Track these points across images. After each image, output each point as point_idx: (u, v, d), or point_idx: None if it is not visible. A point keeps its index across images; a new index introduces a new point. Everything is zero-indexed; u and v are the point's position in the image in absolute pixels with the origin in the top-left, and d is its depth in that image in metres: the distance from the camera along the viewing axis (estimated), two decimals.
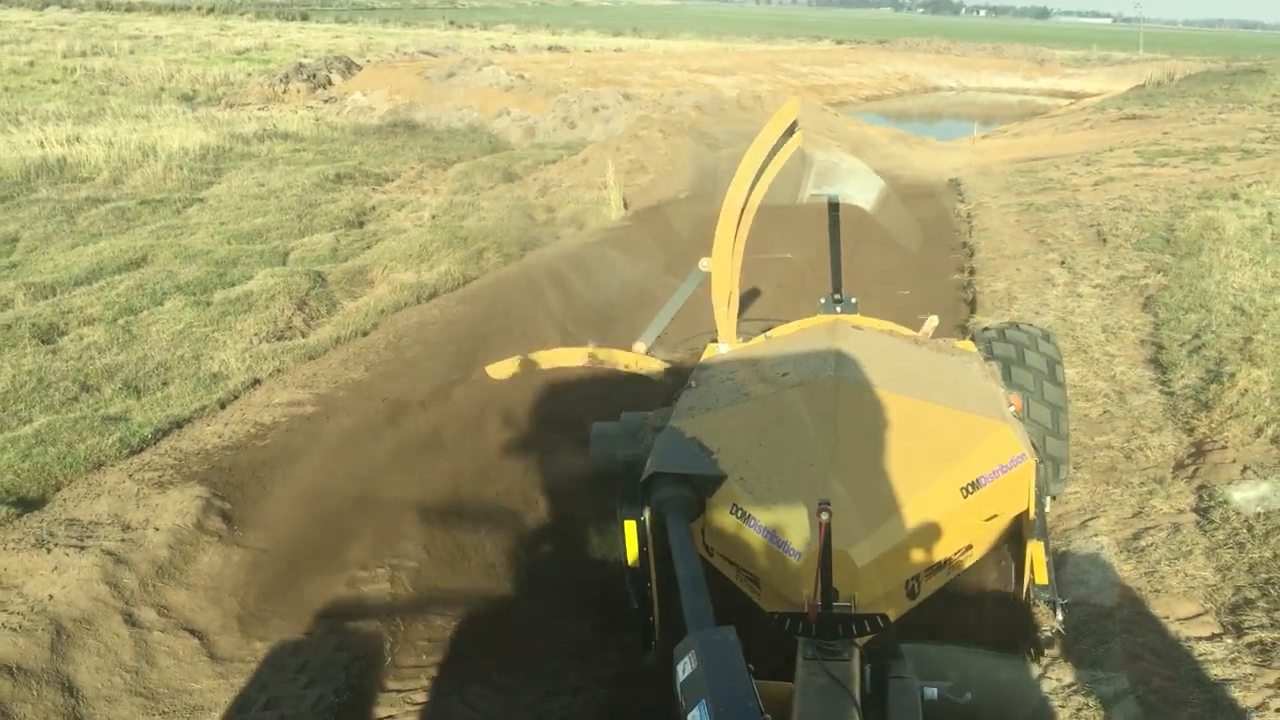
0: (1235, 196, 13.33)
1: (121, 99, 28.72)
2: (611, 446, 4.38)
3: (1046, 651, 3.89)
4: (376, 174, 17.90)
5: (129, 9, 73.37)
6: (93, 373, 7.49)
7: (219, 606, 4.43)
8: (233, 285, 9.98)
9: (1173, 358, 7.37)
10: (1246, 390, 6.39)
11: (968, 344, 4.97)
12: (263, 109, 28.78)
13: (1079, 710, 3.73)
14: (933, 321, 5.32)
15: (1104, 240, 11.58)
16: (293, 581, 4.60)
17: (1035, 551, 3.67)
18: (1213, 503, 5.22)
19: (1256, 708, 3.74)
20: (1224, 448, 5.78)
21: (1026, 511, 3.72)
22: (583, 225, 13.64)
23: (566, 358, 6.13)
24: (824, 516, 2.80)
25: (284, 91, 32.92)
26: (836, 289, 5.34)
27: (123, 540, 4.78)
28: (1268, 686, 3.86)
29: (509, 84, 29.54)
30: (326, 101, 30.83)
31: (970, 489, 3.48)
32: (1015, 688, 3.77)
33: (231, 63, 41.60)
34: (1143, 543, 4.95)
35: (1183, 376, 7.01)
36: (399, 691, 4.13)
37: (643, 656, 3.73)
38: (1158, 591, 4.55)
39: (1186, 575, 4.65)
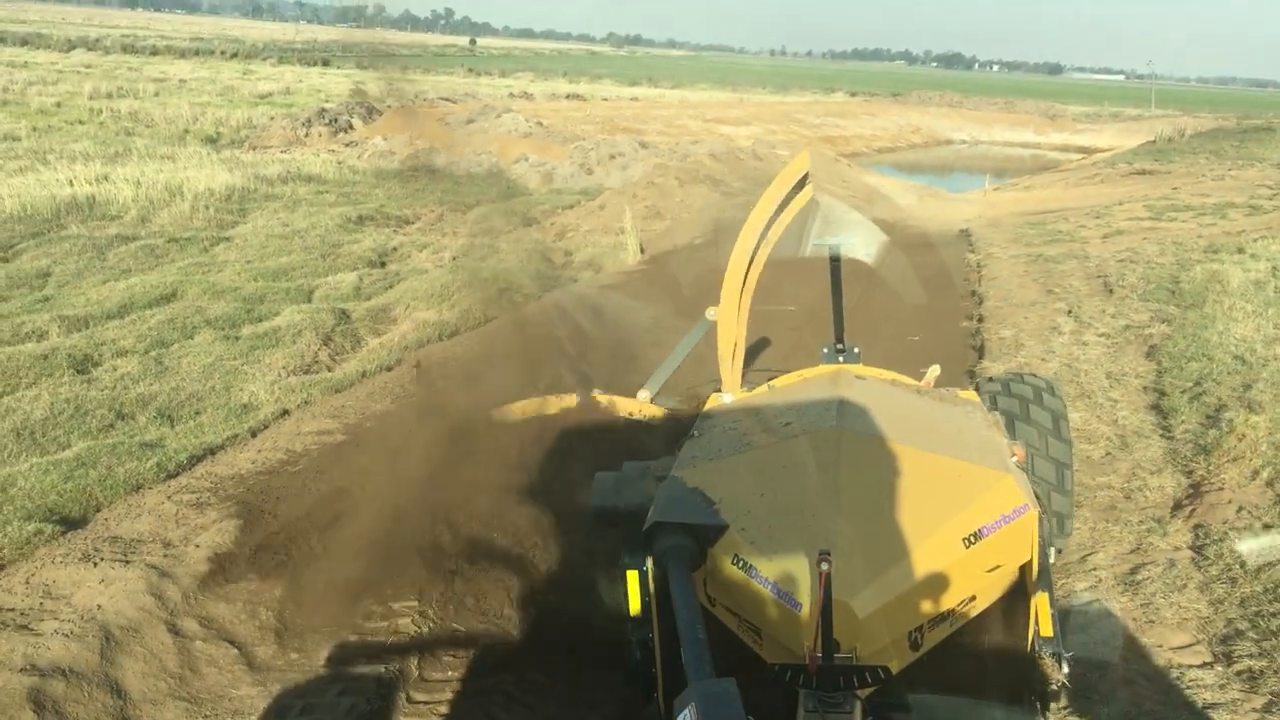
0: (1241, 251, 13.59)
1: (147, 140, 29.23)
2: (613, 495, 4.32)
3: (1052, 705, 3.85)
4: (397, 216, 18.26)
5: (154, 52, 74.61)
6: (127, 402, 7.76)
7: (256, 619, 4.66)
8: (260, 321, 10.28)
9: (1174, 404, 7.59)
10: (1244, 435, 6.60)
11: (971, 393, 4.97)
12: (285, 151, 29.30)
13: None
14: (935, 371, 5.35)
15: (1110, 291, 11.83)
16: (327, 597, 4.81)
17: (1040, 603, 3.62)
18: (1208, 540, 5.43)
19: None
20: (1220, 489, 5.99)
21: (1030, 562, 3.68)
22: (600, 269, 13.96)
23: (572, 403, 6.02)
24: (825, 567, 2.80)
25: (306, 135, 33.48)
26: (839, 338, 5.36)
27: (165, 556, 5.03)
28: (1254, 710, 4.05)
29: (527, 130, 30.07)
30: (348, 145, 31.37)
31: (973, 539, 3.45)
32: None
33: (255, 106, 42.30)
34: (1139, 577, 5.16)
35: (1183, 422, 7.22)
36: (425, 703, 4.33)
37: (644, 707, 3.69)
38: (1152, 622, 4.76)
39: (1180, 607, 4.85)
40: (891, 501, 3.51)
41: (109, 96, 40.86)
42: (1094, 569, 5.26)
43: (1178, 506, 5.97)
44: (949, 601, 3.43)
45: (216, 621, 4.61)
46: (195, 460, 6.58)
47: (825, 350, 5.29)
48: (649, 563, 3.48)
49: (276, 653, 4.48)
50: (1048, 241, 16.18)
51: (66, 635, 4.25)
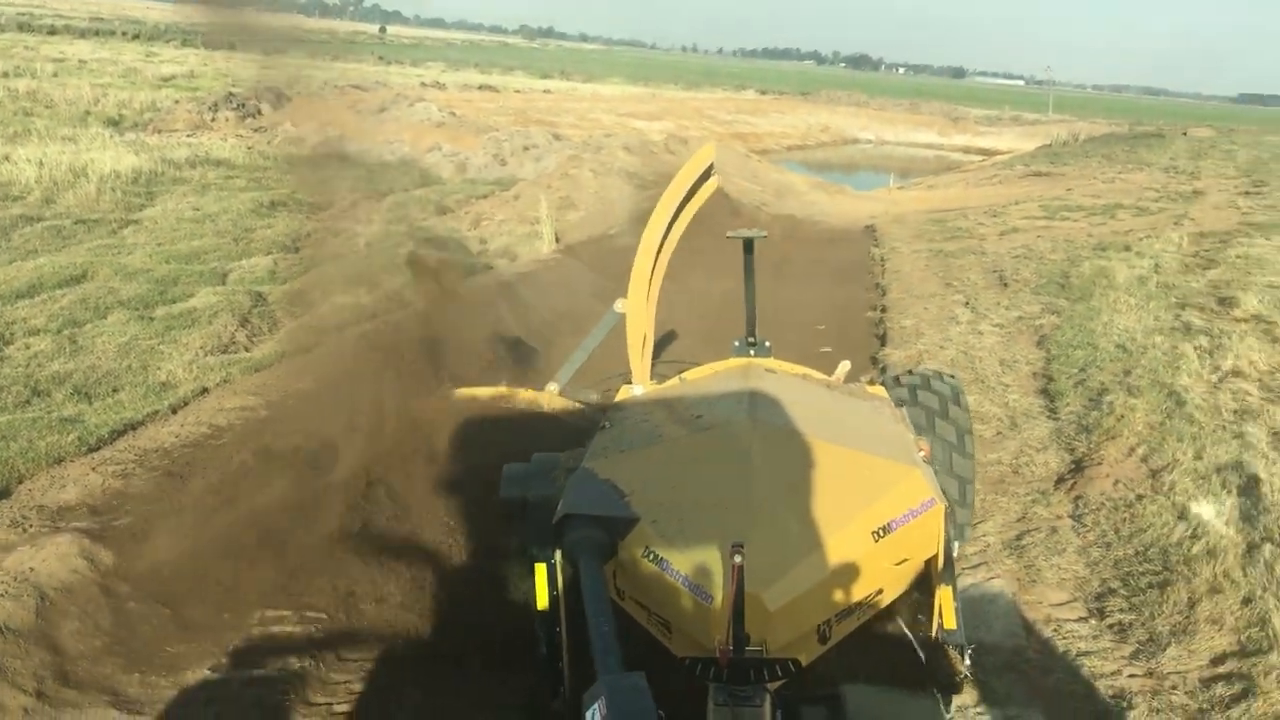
0: (1127, 249, 14.31)
1: (47, 121, 28.40)
2: (522, 487, 4.22)
3: (955, 697, 3.97)
4: (310, 203, 18.14)
5: (51, 31, 72.10)
6: (43, 379, 7.73)
7: (187, 582, 4.77)
8: (174, 302, 10.25)
9: (1060, 388, 8.08)
10: (1122, 416, 7.10)
11: (878, 389, 4.99)
12: (191, 136, 28.76)
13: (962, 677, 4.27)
14: (845, 366, 5.33)
15: (1005, 284, 12.40)
16: (261, 555, 4.91)
17: (944, 595, 3.64)
18: (1087, 510, 5.87)
19: (1110, 674, 4.33)
20: (1099, 465, 6.45)
21: (936, 555, 3.69)
22: (515, 257, 14.11)
23: (479, 395, 5.89)
24: (737, 560, 2.78)
25: (213, 120, 32.88)
26: (751, 332, 5.35)
27: (93, 522, 5.12)
28: (1122, 658, 4.47)
29: (440, 120, 30.01)
30: (256, 131, 30.91)
31: (882, 533, 3.45)
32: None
33: (158, 89, 41.28)
34: (1024, 542, 5.57)
35: (1068, 404, 7.71)
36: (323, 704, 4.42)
37: (551, 702, 3.67)
38: (1034, 582, 5.16)
39: (1060, 569, 5.27)
40: (802, 495, 3.51)
41: (4, 75, 39.46)
42: (983, 535, 5.65)
43: (1060, 480, 6.42)
44: (858, 594, 3.43)
45: (148, 583, 4.71)
46: (116, 435, 6.63)
47: (736, 343, 5.29)
48: (558, 555, 3.44)
49: (210, 613, 4.61)
50: (948, 238, 16.80)
51: (2, 595, 4.34)
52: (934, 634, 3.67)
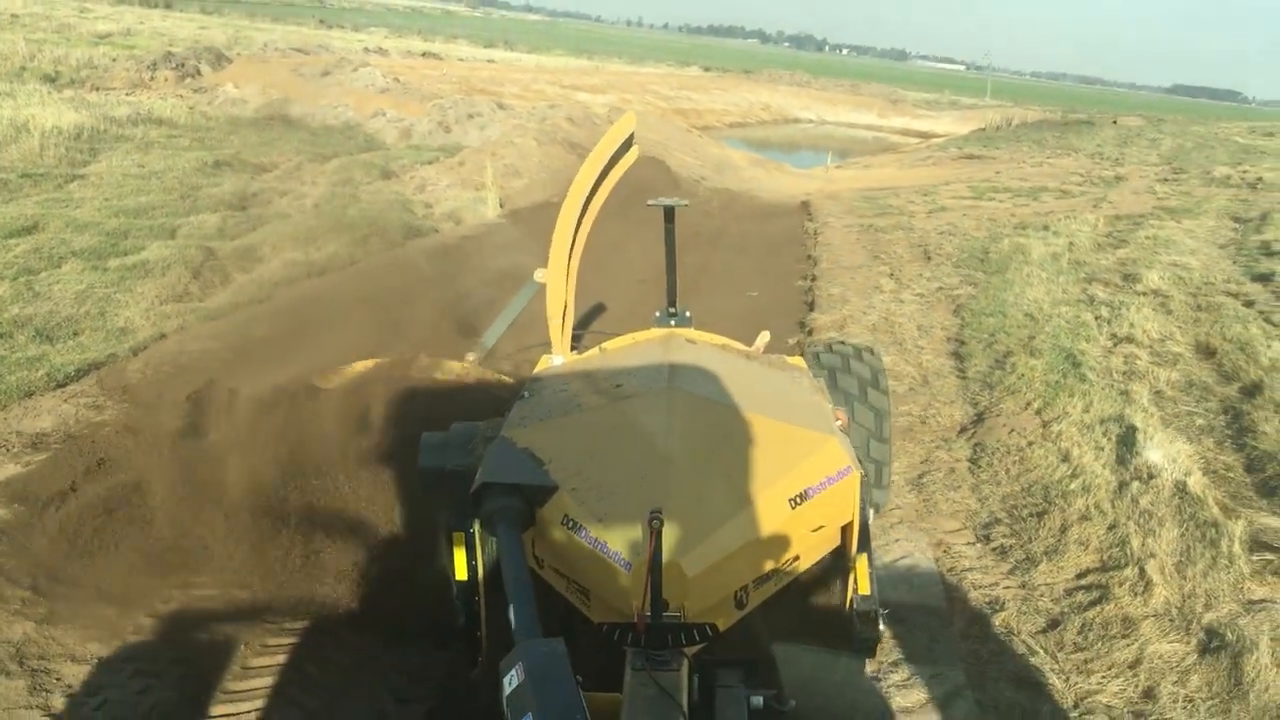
0: (1046, 228, 15.07)
1: None
2: (440, 457, 4.18)
3: (867, 659, 4.04)
4: (255, 163, 18.29)
5: None
6: (3, 322, 8.01)
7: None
8: (126, 255, 10.50)
9: (970, 351, 8.72)
10: (1023, 375, 7.74)
11: (798, 359, 5.03)
12: (130, 94, 28.50)
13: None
14: (764, 337, 5.35)
15: (929, 258, 13.06)
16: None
17: (859, 562, 3.68)
18: (983, 454, 6.49)
19: (988, 585, 4.94)
20: (998, 416, 7.08)
21: (851, 523, 3.73)
22: (460, 221, 14.49)
23: (397, 367, 5.81)
24: (655, 525, 2.82)
25: (151, 79, 32.53)
26: (671, 302, 5.35)
27: (69, 443, 5.51)
28: (1001, 573, 5.08)
29: (384, 86, 30.05)
30: (196, 91, 30.66)
31: (798, 500, 3.48)
32: (847, 686, 3.98)
33: (94, 46, 40.58)
34: (924, 480, 6.18)
35: (976, 365, 8.34)
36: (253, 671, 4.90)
37: (469, 672, 3.72)
38: (931, 513, 5.76)
39: (954, 502, 5.88)
40: (721, 463, 3.54)
41: None
42: (891, 475, 6.24)
43: (962, 430, 7.04)
44: (774, 561, 3.48)
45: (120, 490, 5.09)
46: (82, 373, 6.98)
47: (658, 314, 5.30)
48: (476, 525, 3.46)
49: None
50: (878, 214, 17.46)
51: None
52: (849, 600, 3.71)
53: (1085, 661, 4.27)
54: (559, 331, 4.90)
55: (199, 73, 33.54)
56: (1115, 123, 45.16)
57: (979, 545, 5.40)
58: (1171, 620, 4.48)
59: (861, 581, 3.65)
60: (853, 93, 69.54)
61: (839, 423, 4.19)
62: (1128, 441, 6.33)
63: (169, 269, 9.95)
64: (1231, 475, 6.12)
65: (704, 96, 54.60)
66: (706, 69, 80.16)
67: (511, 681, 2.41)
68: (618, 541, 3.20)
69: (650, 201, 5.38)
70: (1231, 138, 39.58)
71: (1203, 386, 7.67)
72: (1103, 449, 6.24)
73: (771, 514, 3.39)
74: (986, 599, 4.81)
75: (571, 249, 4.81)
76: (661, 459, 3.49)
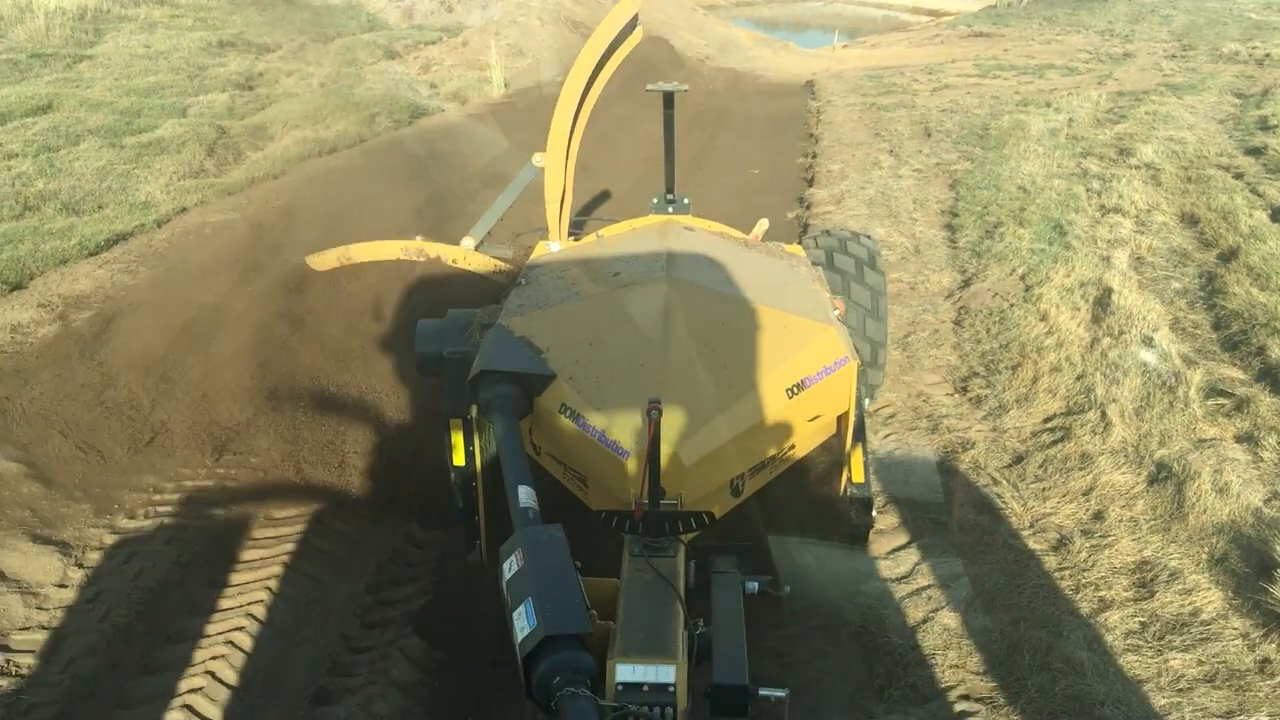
0: (1048, 105, 15.13)
1: None
2: (437, 344, 4.12)
3: (861, 545, 4.10)
4: (259, 44, 18.33)
5: None
6: (30, 196, 8.35)
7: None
8: (141, 133, 10.76)
9: (962, 222, 9.01)
10: (1010, 244, 8.05)
11: (796, 248, 4.98)
12: None
13: None
14: (763, 225, 5.23)
15: (929, 135, 13.22)
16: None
17: (854, 451, 3.72)
18: (966, 316, 6.86)
19: (963, 429, 5.36)
20: (984, 281, 7.42)
21: (847, 413, 3.75)
22: (465, 101, 14.65)
23: (390, 250, 5.73)
24: (654, 415, 2.83)
25: None
26: (670, 189, 5.26)
27: (109, 302, 5.92)
28: (974, 419, 5.50)
29: None
30: None
31: (795, 390, 3.49)
32: (844, 574, 4.06)
33: None
34: (910, 339, 6.56)
35: (966, 235, 8.65)
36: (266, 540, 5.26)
37: (467, 554, 3.78)
38: (914, 368, 6.16)
39: (935, 358, 6.27)
40: (718, 351, 3.55)
41: None
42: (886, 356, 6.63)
43: (949, 294, 7.39)
44: (771, 450, 3.53)
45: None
46: (112, 242, 7.35)
47: (655, 200, 5.23)
48: (473, 411, 3.49)
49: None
50: (882, 93, 17.50)
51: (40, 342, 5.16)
52: (843, 488, 3.76)
53: (1043, 490, 4.71)
54: (556, 217, 4.88)
55: None
56: None
57: (956, 396, 5.81)
58: (1126, 456, 4.90)
59: (856, 470, 3.69)
60: None
61: (837, 312, 4.19)
62: (1103, 303, 6.68)
63: (184, 146, 10.22)
64: (1199, 332, 6.48)
65: None
66: None
67: (511, 567, 2.46)
68: (615, 430, 3.25)
69: (649, 86, 5.26)
70: (1245, 13, 38.91)
71: (1182, 253, 7.97)
72: (1079, 309, 6.60)
73: (768, 403, 3.43)
74: (959, 440, 5.23)
75: (571, 133, 4.74)
76: (659, 348, 3.50)
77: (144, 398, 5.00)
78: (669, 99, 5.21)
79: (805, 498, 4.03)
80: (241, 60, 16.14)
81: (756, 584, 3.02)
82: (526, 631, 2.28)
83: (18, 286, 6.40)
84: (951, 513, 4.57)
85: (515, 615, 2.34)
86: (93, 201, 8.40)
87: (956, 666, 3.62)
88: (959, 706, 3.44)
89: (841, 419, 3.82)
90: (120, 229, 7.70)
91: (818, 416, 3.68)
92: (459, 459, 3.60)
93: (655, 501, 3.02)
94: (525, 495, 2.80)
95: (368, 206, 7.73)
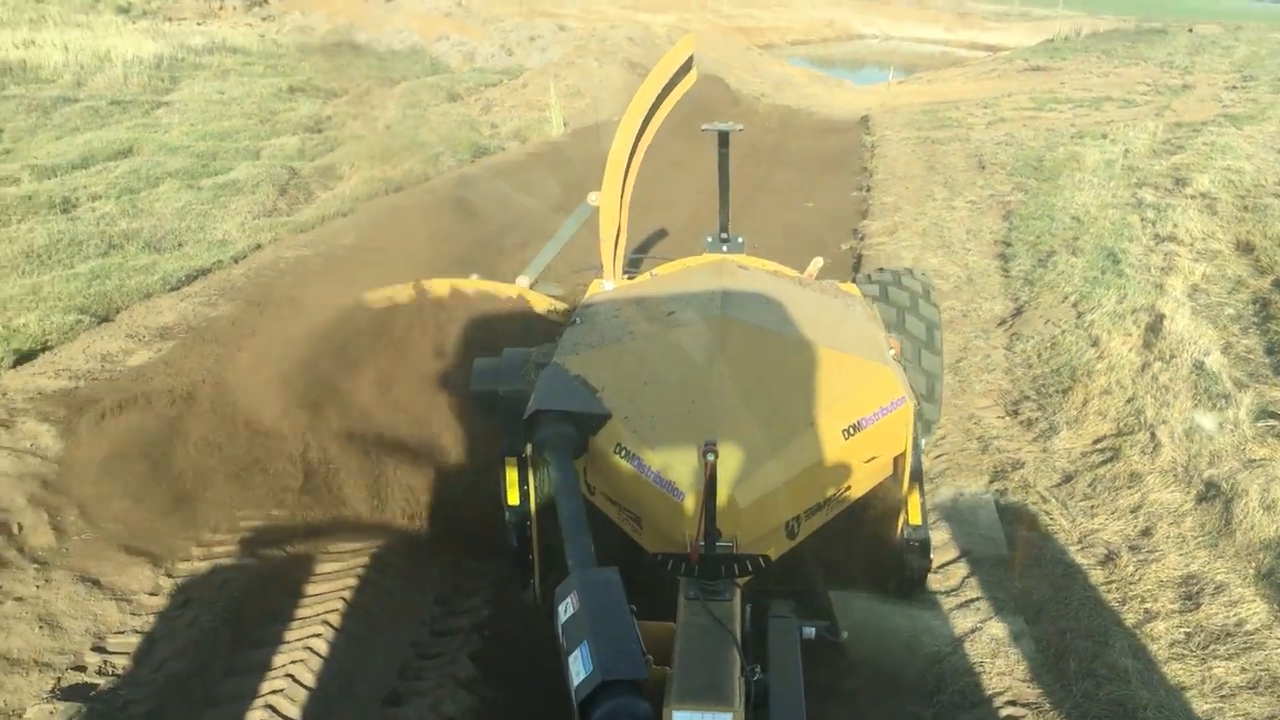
0: (1104, 136, 15.16)
1: (60, 7, 28.87)
2: (492, 382, 4.09)
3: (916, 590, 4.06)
4: (326, 89, 18.95)
5: None
6: (115, 235, 8.77)
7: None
8: (217, 174, 11.23)
9: (1015, 252, 9.11)
10: (1062, 271, 8.14)
11: (851, 286, 4.94)
12: (200, 23, 29.28)
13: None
14: (818, 263, 5.23)
15: (983, 167, 13.33)
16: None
17: (910, 492, 3.69)
18: (1018, 341, 6.96)
19: (1014, 450, 5.47)
20: (1036, 308, 7.52)
21: (904, 453, 3.72)
22: (526, 139, 15.02)
23: (448, 288, 5.69)
24: (710, 457, 2.79)
25: (220, 8, 33.34)
26: (724, 227, 5.23)
27: (192, 331, 6.25)
28: (1026, 441, 5.60)
29: (448, 10, 30.48)
30: (264, 20, 31.39)
31: (851, 430, 3.46)
32: (895, 629, 4.02)
33: None
34: (962, 364, 6.68)
35: (1019, 264, 8.75)
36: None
37: (520, 593, 3.77)
38: (965, 392, 6.27)
39: (987, 383, 6.38)
40: (775, 391, 3.53)
41: None
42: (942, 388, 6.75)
43: (1001, 321, 7.50)
44: (826, 491, 3.49)
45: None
46: (192, 277, 7.73)
47: (709, 239, 5.20)
48: (528, 450, 3.49)
49: None
50: (937, 127, 17.62)
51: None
52: (900, 530, 3.73)
53: (1092, 508, 4.81)
54: (611, 256, 4.88)
55: (266, 1, 34.20)
56: (1191, 30, 43.94)
57: (1007, 418, 5.91)
58: (1175, 475, 4.98)
59: (913, 512, 3.66)
60: (918, 6, 68.10)
61: (893, 351, 4.12)
62: (1155, 329, 6.75)
63: (258, 187, 10.65)
64: (1251, 356, 6.52)
65: (766, 14, 53.97)
66: None
67: (567, 609, 2.44)
68: (671, 470, 3.23)
69: (704, 127, 5.27)
70: None
71: (1236, 280, 8.00)
72: (1130, 334, 6.67)
73: (824, 444, 3.40)
74: (1009, 461, 5.34)
75: (626, 173, 4.74)
76: (714, 388, 3.48)
77: (229, 434, 5.19)
78: (724, 138, 5.21)
79: (861, 539, 3.96)
80: (310, 105, 16.71)
81: (814, 629, 3.01)
82: (582, 676, 2.28)
83: (105, 319, 6.76)
84: (1014, 567, 4.62)
85: (571, 659, 2.34)
86: (173, 240, 8.81)
87: (1004, 674, 3.74)
88: (1005, 712, 3.56)
89: (898, 460, 3.78)
90: (199, 265, 8.08)
91: (874, 457, 3.65)
92: (514, 498, 3.63)
93: (711, 544, 2.96)
94: (580, 536, 2.80)
95: (434, 240, 7.98)
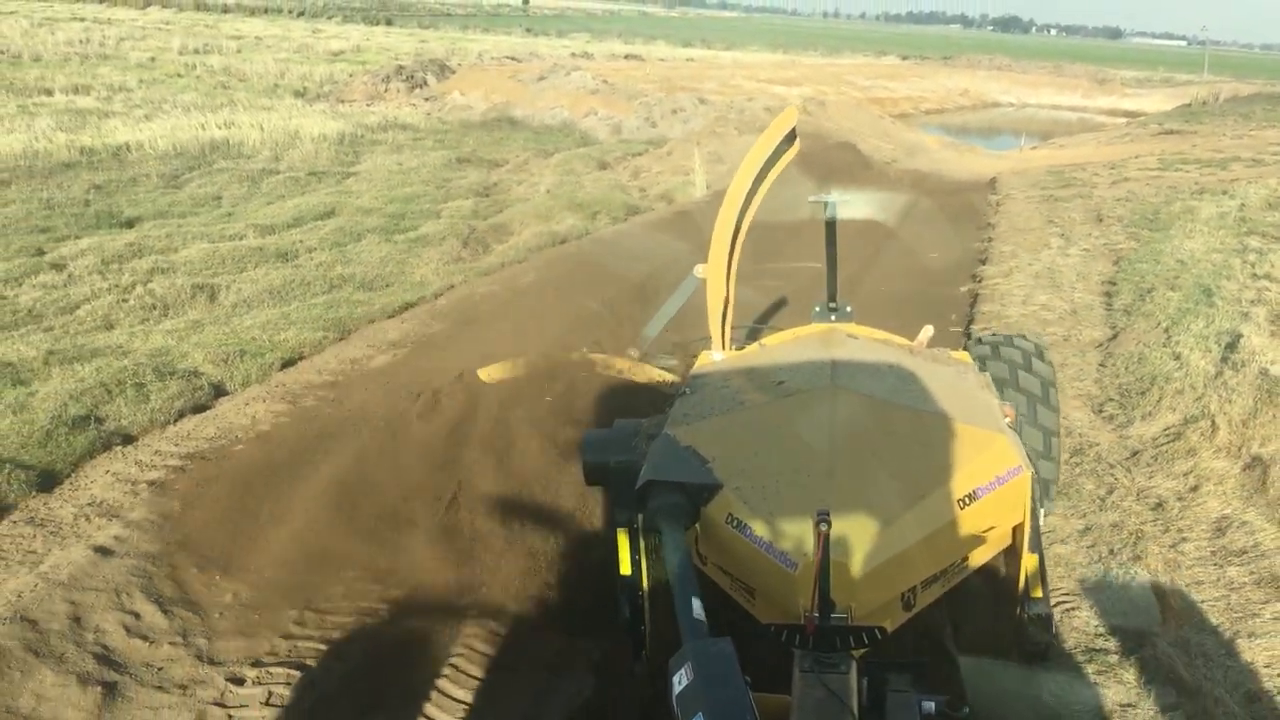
0: (1224, 193, 15.84)
1: (244, 93, 32.00)
2: (604, 453, 4.09)
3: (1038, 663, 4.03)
4: (489, 159, 20.91)
5: (225, 10, 77.91)
6: (333, 278, 10.49)
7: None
8: (407, 230, 13.00)
9: (1118, 290, 10.06)
10: (1159, 304, 9.08)
11: (962, 354, 4.90)
12: (369, 105, 32.01)
13: None
14: (928, 332, 5.20)
15: (1100, 220, 14.22)
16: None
17: (1029, 564, 3.65)
18: (1110, 359, 7.96)
19: (1094, 438, 6.51)
20: (1130, 333, 8.49)
21: (1022, 523, 3.68)
22: (672, 201, 16.55)
23: (562, 362, 5.86)
24: (823, 528, 2.79)
25: (385, 90, 36.17)
26: (832, 297, 5.27)
27: (420, 344, 7.82)
28: (1108, 431, 6.63)
29: (594, 88, 32.61)
30: (426, 100, 34.05)
31: (968, 500, 3.42)
32: (1018, 697, 3.90)
33: (331, 63, 44.93)
34: (1058, 376, 7.70)
35: (1121, 300, 9.70)
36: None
37: (634, 664, 3.76)
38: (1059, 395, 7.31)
39: (1078, 389, 7.41)
40: (888, 461, 3.51)
41: (196, 52, 43.78)
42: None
43: (1098, 344, 8.49)
44: (943, 562, 3.45)
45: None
46: (403, 308, 9.33)
47: (818, 309, 5.23)
48: (640, 521, 3.49)
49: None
50: (1061, 186, 18.49)
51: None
52: (1019, 603, 3.69)
53: (1151, 473, 5.83)
54: (719, 327, 4.91)
55: (426, 83, 36.99)
56: None
57: (1092, 415, 6.94)
58: (1226, 451, 5.96)
59: (1034, 584, 3.64)
60: (1055, 74, 68.22)
61: (1008, 419, 4.09)
62: (1233, 347, 7.67)
63: (443, 240, 12.34)
64: None
65: (900, 84, 55.13)
66: (904, 57, 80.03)
67: (681, 681, 2.42)
68: (783, 541, 3.23)
69: (811, 198, 5.38)
70: None
71: None
72: (1210, 351, 7.61)
73: (940, 514, 3.37)
74: (1090, 443, 6.38)
75: (733, 245, 4.79)
76: (826, 458, 3.48)
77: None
78: (832, 208, 5.36)
79: (981, 613, 4.00)
80: (478, 173, 18.61)
81: (934, 703, 2.86)
82: None
83: (343, 337, 8.38)
84: (1073, 482, 5.69)
85: None
86: (380, 281, 10.48)
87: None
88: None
89: (1017, 529, 3.74)
90: (406, 299, 9.68)
91: (992, 527, 3.62)
92: (625, 568, 3.64)
93: (826, 615, 2.94)
94: (694, 606, 2.78)
95: (596, 282, 9.49)
